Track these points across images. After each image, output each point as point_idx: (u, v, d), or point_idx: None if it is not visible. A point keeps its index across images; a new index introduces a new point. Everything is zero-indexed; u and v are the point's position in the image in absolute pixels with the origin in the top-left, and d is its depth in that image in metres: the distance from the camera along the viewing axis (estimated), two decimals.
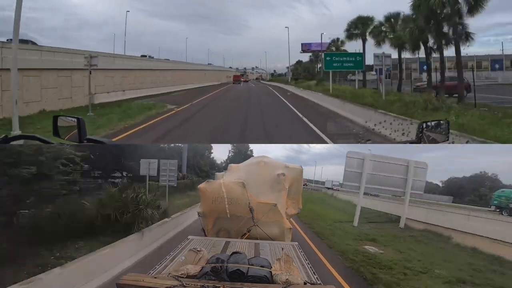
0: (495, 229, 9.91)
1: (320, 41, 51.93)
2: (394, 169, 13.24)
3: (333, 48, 44.88)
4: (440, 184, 39.93)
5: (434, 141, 2.74)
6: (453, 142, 8.33)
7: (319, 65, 52.75)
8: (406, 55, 27.70)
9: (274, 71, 66.67)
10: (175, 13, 75.96)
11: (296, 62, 56.82)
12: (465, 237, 10.72)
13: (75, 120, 2.58)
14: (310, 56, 53.07)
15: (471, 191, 31.17)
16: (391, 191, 13.78)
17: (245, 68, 70.13)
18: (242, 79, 63.21)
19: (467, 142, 8.27)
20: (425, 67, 27.08)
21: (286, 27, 45.02)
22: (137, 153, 16.52)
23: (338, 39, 38.33)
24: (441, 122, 2.79)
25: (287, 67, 62.12)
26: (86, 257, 5.32)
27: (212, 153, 35.85)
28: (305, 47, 50.76)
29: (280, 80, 54.46)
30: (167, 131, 12.52)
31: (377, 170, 13.13)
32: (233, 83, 58.86)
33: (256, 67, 69.72)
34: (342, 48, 45.08)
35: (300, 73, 48.80)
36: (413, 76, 40.00)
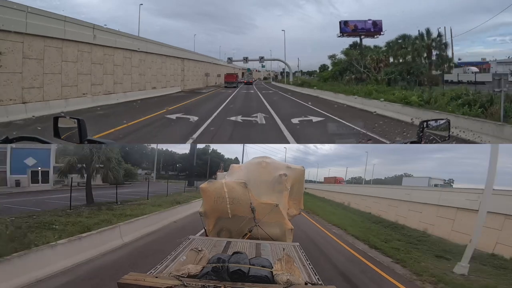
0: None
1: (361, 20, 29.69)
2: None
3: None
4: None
5: (434, 140, 2.71)
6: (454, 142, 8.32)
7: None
8: None
9: (283, 69, 44.76)
10: (180, 12, 74.76)
11: (353, 45, 31.06)
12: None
13: (76, 121, 2.59)
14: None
15: None
16: None
17: (246, 59, 38.87)
18: (243, 80, 44.98)
19: (468, 141, 8.24)
20: None
21: None
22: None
23: None
24: (441, 121, 2.74)
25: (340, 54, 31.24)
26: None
27: None
28: (351, 26, 29.94)
29: (321, 84, 29.67)
30: None
31: None
32: (225, 86, 39.28)
33: (262, 58, 38.49)
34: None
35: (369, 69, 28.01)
36: None
